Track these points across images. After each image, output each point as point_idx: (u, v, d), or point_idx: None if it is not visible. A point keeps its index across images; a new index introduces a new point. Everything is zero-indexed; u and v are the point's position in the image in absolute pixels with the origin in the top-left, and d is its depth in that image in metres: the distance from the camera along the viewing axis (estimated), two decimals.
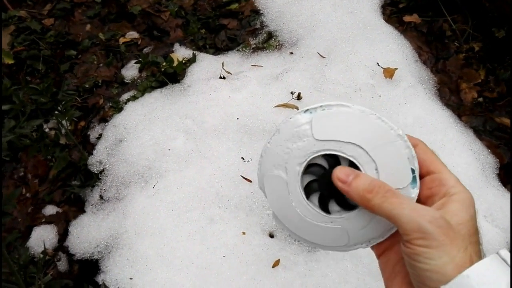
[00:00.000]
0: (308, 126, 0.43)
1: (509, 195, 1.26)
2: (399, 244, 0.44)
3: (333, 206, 0.45)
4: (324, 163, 0.44)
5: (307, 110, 0.44)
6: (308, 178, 0.45)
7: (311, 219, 0.45)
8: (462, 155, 1.33)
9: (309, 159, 0.44)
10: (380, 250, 0.47)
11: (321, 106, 0.44)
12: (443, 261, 0.37)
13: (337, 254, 1.21)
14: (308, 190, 0.45)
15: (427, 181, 0.44)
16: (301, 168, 0.44)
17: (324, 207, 0.45)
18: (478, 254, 0.39)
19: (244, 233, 1.24)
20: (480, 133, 1.43)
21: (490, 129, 1.45)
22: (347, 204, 0.45)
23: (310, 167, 0.44)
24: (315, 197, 0.45)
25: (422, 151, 0.44)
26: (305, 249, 1.24)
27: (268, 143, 0.45)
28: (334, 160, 0.44)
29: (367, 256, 1.20)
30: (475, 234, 0.39)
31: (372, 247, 0.47)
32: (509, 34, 1.53)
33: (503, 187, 1.30)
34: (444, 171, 0.43)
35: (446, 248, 0.37)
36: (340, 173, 0.42)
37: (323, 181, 0.44)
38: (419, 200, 0.43)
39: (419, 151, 0.44)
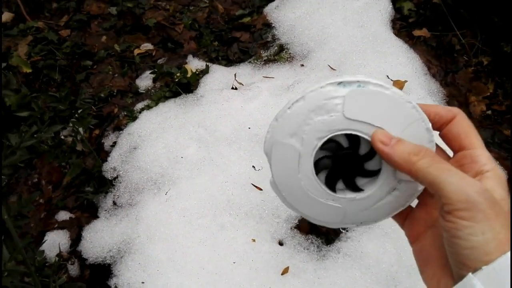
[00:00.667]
0: (339, 101, 0.40)
1: None
2: (433, 228, 0.43)
3: (339, 185, 0.44)
4: (344, 141, 0.42)
5: (341, 82, 0.41)
6: (320, 154, 0.43)
7: (313, 194, 0.43)
8: None
9: (331, 135, 0.41)
10: (415, 234, 0.45)
11: (358, 81, 0.41)
12: (486, 237, 0.34)
13: (347, 262, 1.22)
14: (317, 165, 0.43)
15: (459, 157, 0.41)
16: (319, 143, 0.41)
17: (330, 185, 0.44)
18: None
19: (254, 240, 1.26)
20: (489, 145, 1.44)
21: (499, 142, 1.46)
22: (354, 186, 0.44)
23: (326, 143, 0.42)
24: (322, 174, 0.44)
25: (457, 124, 0.42)
26: (314, 257, 1.25)
27: (288, 108, 0.41)
28: (354, 140, 0.42)
29: (376, 265, 1.20)
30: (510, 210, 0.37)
31: (408, 232, 0.46)
32: None
33: None
34: (478, 146, 0.41)
35: (491, 222, 0.34)
36: (382, 136, 0.40)
37: (340, 159, 0.43)
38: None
39: (455, 124, 0.42)
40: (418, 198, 0.45)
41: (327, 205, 0.43)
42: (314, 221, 0.45)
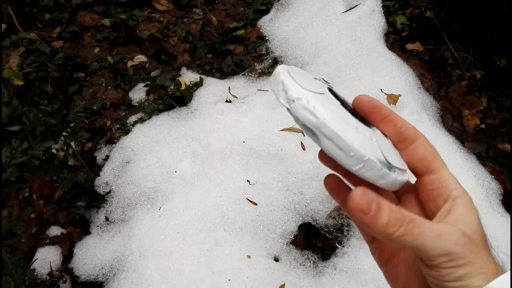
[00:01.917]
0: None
1: None
2: (403, 252, 0.43)
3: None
4: None
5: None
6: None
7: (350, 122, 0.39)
8: (466, 180, 1.34)
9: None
10: (384, 259, 0.45)
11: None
12: (473, 276, 0.36)
13: (343, 279, 1.21)
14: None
15: (428, 181, 0.42)
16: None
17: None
18: (492, 255, 0.38)
19: (249, 256, 1.24)
20: (483, 159, 1.45)
21: (493, 156, 1.46)
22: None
23: None
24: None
25: (423, 147, 0.42)
26: (311, 273, 1.24)
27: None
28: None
29: (373, 282, 1.19)
30: (485, 237, 0.39)
31: (377, 255, 0.45)
32: (510, 63, 1.57)
33: (507, 213, 1.30)
34: (444, 170, 0.41)
35: (473, 262, 0.36)
36: (361, 202, 0.36)
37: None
38: (418, 204, 0.42)
39: (420, 145, 0.42)
40: None
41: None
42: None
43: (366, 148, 0.36)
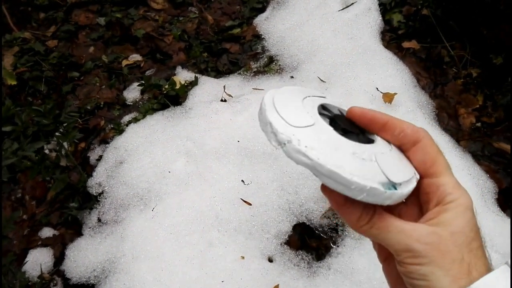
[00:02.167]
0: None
1: (508, 220, 1.26)
2: None
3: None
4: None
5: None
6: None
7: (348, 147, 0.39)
8: (461, 179, 1.31)
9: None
10: (384, 255, 0.46)
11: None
12: (437, 276, 0.36)
13: (338, 279, 1.20)
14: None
15: (425, 185, 0.41)
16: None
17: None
18: (482, 261, 0.38)
19: (243, 257, 1.23)
20: (478, 158, 1.44)
21: (489, 154, 1.45)
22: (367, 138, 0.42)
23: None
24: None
25: (423, 150, 0.42)
26: (305, 273, 1.22)
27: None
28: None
29: (368, 282, 1.18)
30: (475, 239, 0.38)
31: (378, 251, 0.46)
32: (506, 61, 1.55)
33: (502, 212, 1.29)
34: (444, 174, 0.41)
35: (438, 262, 0.36)
36: (338, 196, 0.39)
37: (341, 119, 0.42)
38: (419, 204, 0.43)
39: (420, 148, 0.42)
40: None
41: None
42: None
43: (366, 176, 0.36)
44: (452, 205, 0.39)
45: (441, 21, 1.73)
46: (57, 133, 1.34)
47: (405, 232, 0.38)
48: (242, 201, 1.34)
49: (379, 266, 0.48)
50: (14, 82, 1.82)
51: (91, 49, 2.05)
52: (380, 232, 0.39)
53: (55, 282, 1.23)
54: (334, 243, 1.28)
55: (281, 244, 1.28)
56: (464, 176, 1.34)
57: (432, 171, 0.41)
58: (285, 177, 1.38)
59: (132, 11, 2.14)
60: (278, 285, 1.19)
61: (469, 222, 0.38)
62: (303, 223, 1.31)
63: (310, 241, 1.30)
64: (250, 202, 1.34)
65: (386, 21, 1.85)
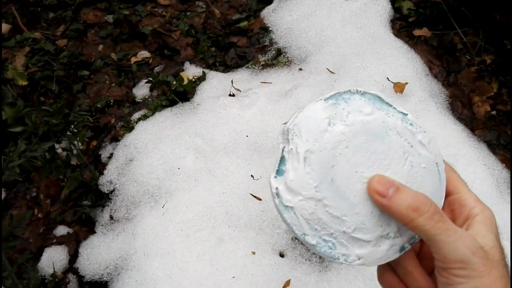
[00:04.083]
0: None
1: None
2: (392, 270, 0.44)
3: None
4: None
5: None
6: None
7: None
8: (476, 170, 1.30)
9: None
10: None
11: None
12: None
13: (350, 273, 1.19)
14: None
15: (447, 202, 0.42)
16: None
17: None
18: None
19: (254, 252, 1.23)
20: (494, 147, 1.40)
21: (504, 143, 1.42)
22: None
23: None
24: None
25: None
26: (316, 268, 1.22)
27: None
28: None
29: None
30: (503, 254, 0.39)
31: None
32: None
33: None
34: (463, 190, 0.42)
35: (484, 279, 0.36)
36: (378, 185, 0.38)
37: None
38: None
39: None
40: None
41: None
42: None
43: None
44: (479, 218, 0.39)
45: (453, 7, 1.69)
46: (68, 132, 1.35)
47: (463, 240, 0.36)
48: (252, 196, 1.34)
49: None
50: (25, 83, 1.84)
51: (100, 47, 2.05)
52: (438, 234, 0.36)
53: (67, 280, 1.25)
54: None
55: (292, 238, 1.28)
56: (479, 167, 1.31)
57: (451, 188, 0.42)
58: None
59: (139, 7, 2.14)
60: (289, 280, 1.18)
61: (497, 237, 0.39)
62: None
63: None
64: (260, 197, 1.33)
65: (396, 9, 1.81)
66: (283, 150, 0.41)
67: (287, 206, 0.40)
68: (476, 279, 0.35)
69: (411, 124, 0.42)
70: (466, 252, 0.36)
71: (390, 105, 0.42)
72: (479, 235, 0.38)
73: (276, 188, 0.40)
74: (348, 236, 0.40)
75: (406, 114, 0.42)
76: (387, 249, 0.41)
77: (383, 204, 0.38)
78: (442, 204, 0.42)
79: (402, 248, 0.42)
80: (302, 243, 0.42)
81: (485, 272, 0.36)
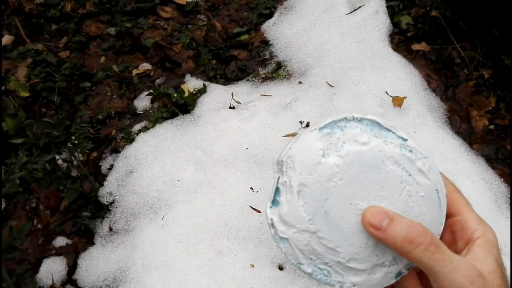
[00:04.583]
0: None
1: None
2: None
3: None
4: None
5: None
6: None
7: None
8: (474, 185, 1.30)
9: None
10: None
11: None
12: None
13: None
14: None
15: (449, 224, 0.42)
16: None
17: None
18: None
19: (253, 265, 1.23)
20: (492, 161, 1.41)
21: (503, 157, 1.42)
22: None
23: None
24: None
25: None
26: (315, 282, 1.21)
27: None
28: None
29: None
30: (504, 277, 0.38)
31: None
32: None
33: None
34: (466, 211, 0.42)
35: None
36: (371, 217, 0.38)
37: None
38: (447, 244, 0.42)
39: None
40: None
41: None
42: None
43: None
44: (480, 241, 0.39)
45: (451, 22, 1.71)
46: (68, 144, 1.36)
47: (461, 270, 0.36)
48: (251, 208, 1.34)
49: None
50: (26, 94, 1.86)
51: (102, 59, 2.08)
52: (435, 265, 0.36)
53: None
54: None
55: None
56: (477, 181, 1.32)
57: (453, 209, 0.42)
58: None
59: (141, 20, 2.17)
60: None
61: (498, 260, 0.39)
62: None
63: None
64: (259, 210, 1.34)
65: (395, 23, 1.83)
66: (278, 181, 0.41)
67: (282, 237, 0.40)
68: None
69: (410, 151, 0.41)
70: (463, 281, 0.36)
71: (390, 130, 0.41)
72: (478, 260, 0.38)
73: (271, 219, 0.40)
74: (342, 266, 0.40)
75: (406, 140, 0.41)
76: (382, 277, 0.41)
77: (378, 236, 0.38)
78: (441, 230, 0.42)
79: (398, 274, 0.42)
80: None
81: None
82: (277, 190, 0.41)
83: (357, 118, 0.41)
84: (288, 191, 0.40)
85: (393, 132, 0.41)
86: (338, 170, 0.39)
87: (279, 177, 0.41)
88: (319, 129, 0.40)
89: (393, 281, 0.42)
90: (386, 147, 0.40)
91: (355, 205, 0.39)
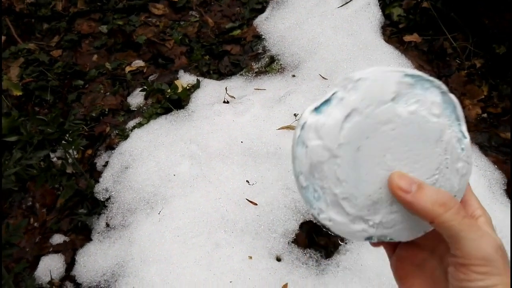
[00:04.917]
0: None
1: None
2: (421, 268, 0.44)
3: None
4: None
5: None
6: None
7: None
8: None
9: None
10: (401, 274, 0.46)
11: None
12: None
13: (347, 276, 1.19)
14: None
15: None
16: None
17: None
18: None
19: (250, 257, 1.23)
20: (485, 149, 1.42)
21: (496, 145, 1.44)
22: None
23: None
24: None
25: None
26: (313, 272, 1.22)
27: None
28: None
29: (377, 278, 1.18)
30: (506, 256, 0.39)
31: (395, 271, 0.46)
32: (509, 50, 1.54)
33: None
34: (468, 192, 0.43)
35: (503, 277, 0.36)
36: (400, 181, 0.38)
37: None
38: None
39: None
40: None
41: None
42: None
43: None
44: (483, 219, 0.40)
45: (442, 13, 1.72)
46: (63, 141, 1.35)
47: (486, 237, 0.37)
48: (247, 201, 1.34)
49: (387, 262, 0.47)
50: (19, 93, 1.85)
51: (95, 57, 2.07)
52: (463, 230, 0.36)
53: (65, 287, 1.25)
54: (342, 240, 1.28)
55: (288, 243, 1.28)
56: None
57: None
58: (289, 175, 1.38)
59: (133, 18, 2.16)
60: (287, 284, 1.19)
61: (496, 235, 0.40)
62: (310, 221, 1.31)
63: (318, 239, 1.30)
64: (256, 202, 1.34)
65: (386, 15, 1.84)
66: (334, 93, 0.39)
67: (304, 142, 0.39)
68: (496, 277, 0.36)
69: (462, 149, 0.41)
70: (490, 250, 0.36)
71: (458, 120, 0.41)
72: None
73: (306, 121, 0.39)
74: (335, 199, 0.40)
75: (466, 138, 0.41)
76: (357, 230, 0.41)
77: (407, 200, 0.38)
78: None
79: (369, 238, 0.42)
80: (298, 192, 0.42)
81: (504, 271, 0.36)
82: (328, 101, 0.39)
83: (444, 92, 0.40)
84: (339, 108, 0.38)
85: (459, 124, 0.41)
86: (396, 120, 0.38)
87: (336, 92, 0.39)
88: (405, 75, 0.39)
89: (361, 240, 0.42)
90: (447, 131, 0.40)
91: (387, 160, 0.39)
